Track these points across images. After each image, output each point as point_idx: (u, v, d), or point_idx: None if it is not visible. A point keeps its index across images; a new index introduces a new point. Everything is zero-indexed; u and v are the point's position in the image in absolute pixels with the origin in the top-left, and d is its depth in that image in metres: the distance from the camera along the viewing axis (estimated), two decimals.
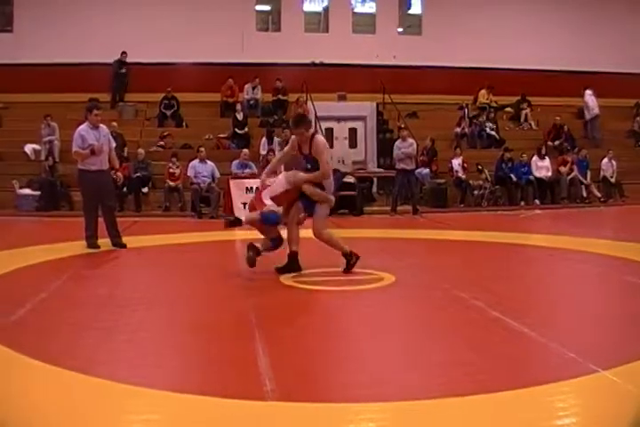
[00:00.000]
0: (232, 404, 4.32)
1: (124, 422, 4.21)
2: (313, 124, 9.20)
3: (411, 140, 19.43)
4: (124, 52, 25.27)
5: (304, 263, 9.39)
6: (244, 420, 4.17)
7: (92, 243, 11.79)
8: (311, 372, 5.14)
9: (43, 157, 21.88)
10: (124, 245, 12.00)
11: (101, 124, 12.30)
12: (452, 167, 21.79)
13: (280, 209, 8.99)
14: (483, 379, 4.72)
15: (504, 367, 5.03)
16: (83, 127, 12.20)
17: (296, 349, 5.73)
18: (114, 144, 12.67)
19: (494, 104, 26.64)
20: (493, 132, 24.83)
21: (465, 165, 21.74)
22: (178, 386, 4.67)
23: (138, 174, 20.34)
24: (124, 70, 25.53)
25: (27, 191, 20.58)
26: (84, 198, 12.38)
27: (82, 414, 4.22)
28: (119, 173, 12.49)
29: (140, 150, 21.05)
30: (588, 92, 25.73)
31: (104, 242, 11.84)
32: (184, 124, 25.04)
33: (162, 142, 23.11)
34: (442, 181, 21.69)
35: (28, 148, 22.52)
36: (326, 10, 28.47)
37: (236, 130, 23.57)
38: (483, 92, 26.60)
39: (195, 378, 5.00)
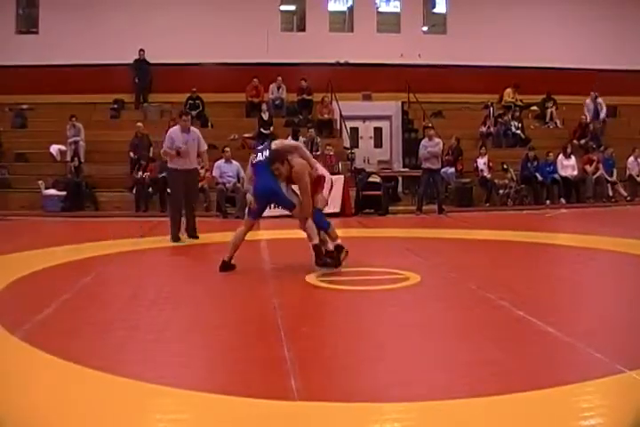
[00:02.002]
0: (258, 403, 4.33)
1: (151, 421, 4.23)
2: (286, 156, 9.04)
3: (437, 140, 19.38)
4: (141, 50, 25.40)
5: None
6: (269, 419, 4.17)
7: (174, 236, 12.92)
8: (336, 371, 5.14)
9: (68, 158, 21.98)
10: (197, 237, 13.17)
11: (193, 128, 13.36)
12: (477, 167, 21.71)
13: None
14: (509, 379, 4.72)
15: (530, 367, 5.01)
16: (173, 129, 13.30)
17: (321, 348, 5.74)
18: (205, 147, 13.46)
19: (520, 103, 26.50)
20: (519, 131, 24.70)
21: (490, 164, 21.65)
22: (204, 385, 4.69)
23: (163, 175, 20.35)
24: (144, 69, 25.65)
25: (52, 192, 20.68)
26: (170, 194, 13.87)
27: (108, 413, 4.24)
28: (208, 174, 13.69)
29: None
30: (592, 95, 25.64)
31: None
32: (209, 124, 25.04)
33: None
34: (467, 180, 21.62)
35: (54, 148, 22.64)
36: (351, 9, 28.41)
37: (262, 130, 23.55)
38: (508, 90, 26.44)
39: (221, 377, 5.02)
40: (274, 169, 8.83)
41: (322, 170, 9.27)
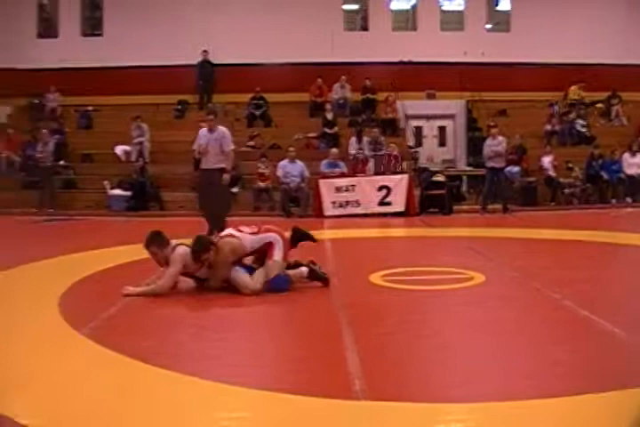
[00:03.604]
0: (321, 403, 4.35)
1: (215, 419, 4.25)
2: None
3: (501, 138, 19.28)
4: (204, 51, 25.58)
5: (391, 262, 9.40)
6: (333, 419, 4.19)
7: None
8: (400, 371, 5.13)
9: (133, 158, 22.23)
10: None
11: (222, 128, 13.14)
12: (542, 165, 21.52)
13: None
14: (572, 380, 4.68)
15: (594, 369, 4.95)
16: (202, 129, 13.24)
17: (385, 348, 5.73)
18: (229, 147, 13.10)
19: (585, 100, 26.22)
20: (584, 129, 24.43)
21: (555, 162, 21.45)
22: (268, 384, 4.71)
23: None
24: (207, 69, 25.85)
25: (117, 192, 20.94)
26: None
27: (173, 411, 4.30)
28: (225, 175, 12.98)
29: None
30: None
31: None
32: (273, 124, 25.17)
33: (251, 142, 23.24)
34: (532, 179, 21.44)
35: (119, 149, 22.91)
36: (414, 8, 28.37)
37: (326, 129, 23.60)
38: (573, 88, 26.16)
39: (285, 376, 5.04)
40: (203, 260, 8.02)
41: (269, 237, 8.66)
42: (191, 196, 20.10)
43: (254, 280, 7.99)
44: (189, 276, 8.14)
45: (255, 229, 8.32)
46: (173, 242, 8.16)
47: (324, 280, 8.26)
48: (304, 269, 8.30)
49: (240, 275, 8.01)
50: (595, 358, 5.26)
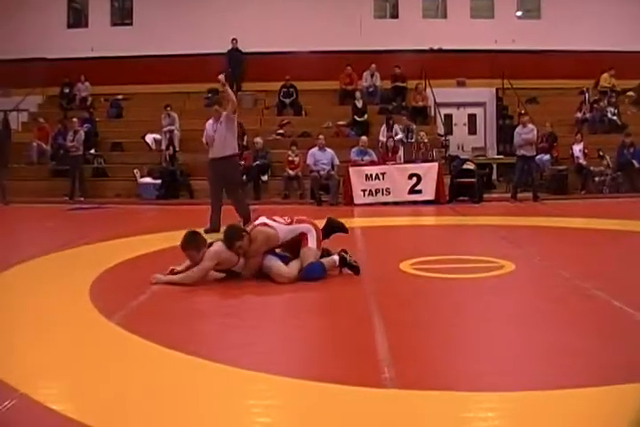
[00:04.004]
0: (351, 391, 4.36)
1: (245, 407, 4.28)
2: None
3: (531, 126, 19.18)
4: (234, 39, 25.60)
5: (421, 251, 9.39)
6: (363, 407, 4.18)
7: (210, 226, 12.09)
8: (430, 360, 5.14)
9: (163, 147, 22.28)
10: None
11: (224, 114, 12.61)
12: (572, 153, 21.38)
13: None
14: (604, 371, 4.66)
15: (626, 360, 4.93)
16: (209, 122, 12.97)
17: (415, 336, 5.74)
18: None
19: (616, 88, 26.01)
20: (615, 117, 24.24)
21: (586, 151, 21.31)
22: (298, 372, 4.74)
23: (257, 162, 20.53)
24: (237, 58, 25.85)
25: (148, 180, 21.03)
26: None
27: (203, 398, 4.31)
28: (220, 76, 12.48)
29: (258, 139, 21.11)
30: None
31: None
32: (303, 112, 25.17)
33: (281, 130, 23.27)
34: (562, 167, 21.31)
35: (149, 137, 22.99)
36: None
37: (356, 117, 23.57)
38: (605, 75, 25.93)
39: (315, 364, 5.06)
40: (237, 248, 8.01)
41: (302, 228, 8.61)
42: None
43: (290, 268, 8.01)
44: (225, 271, 8.15)
45: (289, 220, 8.34)
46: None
47: (355, 269, 8.25)
48: (335, 258, 8.29)
49: (275, 263, 8.02)
50: (626, 349, 5.23)
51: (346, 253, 8.38)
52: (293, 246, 8.28)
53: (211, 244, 8.05)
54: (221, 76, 12.37)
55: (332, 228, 8.85)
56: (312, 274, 8.00)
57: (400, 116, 22.52)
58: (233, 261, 8.01)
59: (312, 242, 8.21)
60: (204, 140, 12.96)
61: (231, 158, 12.80)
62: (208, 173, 13.16)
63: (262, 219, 8.33)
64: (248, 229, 8.24)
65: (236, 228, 8.22)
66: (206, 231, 11.04)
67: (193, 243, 8.11)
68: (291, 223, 8.30)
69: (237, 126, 13.01)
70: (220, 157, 12.64)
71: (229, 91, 12.91)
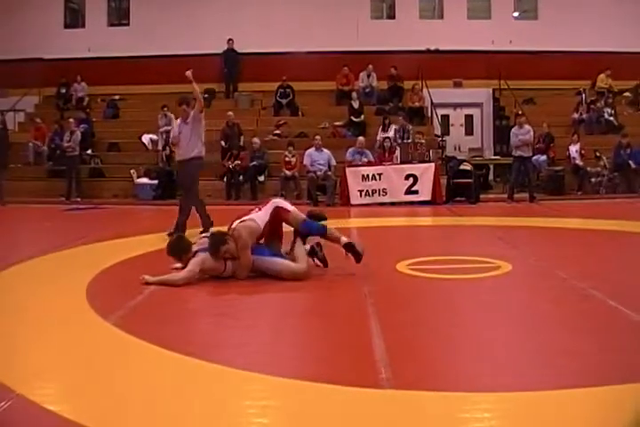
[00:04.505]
0: (347, 391, 4.36)
1: (241, 407, 4.28)
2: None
3: (527, 127, 19.22)
4: (230, 40, 25.66)
5: (418, 251, 9.39)
6: (359, 407, 4.19)
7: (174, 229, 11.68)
8: (427, 360, 5.15)
9: (160, 147, 22.25)
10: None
11: (192, 114, 12.09)
12: (569, 154, 21.38)
13: None
14: (601, 371, 4.67)
15: (623, 360, 4.93)
16: (177, 120, 12.59)
17: (412, 337, 5.74)
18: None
19: (613, 89, 26.00)
20: (612, 118, 24.23)
21: (582, 151, 21.32)
22: (293, 373, 4.74)
23: (254, 163, 20.52)
24: (233, 58, 25.95)
25: (144, 180, 21.03)
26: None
27: (198, 399, 4.32)
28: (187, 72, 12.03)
29: (255, 139, 21.11)
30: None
31: None
32: (299, 112, 25.17)
33: (278, 131, 23.27)
34: (559, 168, 21.33)
35: (146, 138, 22.96)
36: None
37: (352, 118, 23.58)
38: (602, 76, 25.95)
39: (311, 365, 5.07)
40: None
41: (271, 203, 8.61)
42: (217, 184, 20.20)
43: (299, 260, 8.06)
44: (216, 277, 8.15)
45: (256, 209, 8.43)
46: (196, 247, 8.20)
47: (354, 251, 8.26)
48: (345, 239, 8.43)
49: (280, 263, 8.07)
50: (623, 349, 5.24)
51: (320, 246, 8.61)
52: (277, 227, 8.41)
53: (195, 253, 8.05)
54: (189, 73, 11.94)
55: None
56: (310, 226, 8.38)
57: (396, 116, 22.53)
58: (219, 269, 8.04)
59: (289, 206, 8.48)
60: (170, 140, 12.74)
61: (193, 162, 12.19)
62: (178, 177, 12.88)
63: (235, 222, 8.31)
64: (229, 231, 8.19)
65: (217, 235, 8.20)
66: (170, 235, 10.95)
67: (176, 250, 8.26)
68: (261, 209, 8.39)
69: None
70: (183, 160, 12.22)
71: (197, 89, 12.29)
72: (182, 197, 12.60)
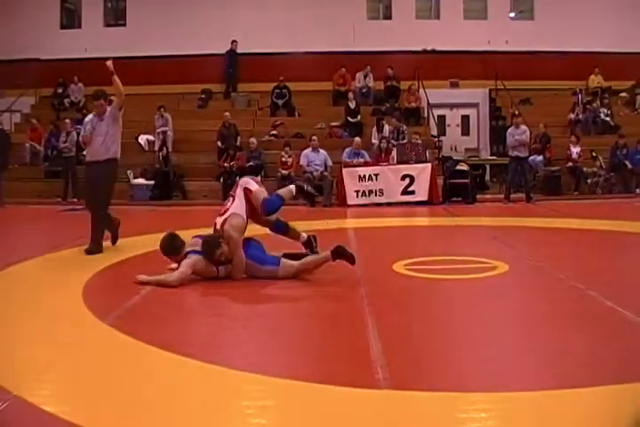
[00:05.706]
0: (344, 391, 4.36)
1: (239, 408, 4.27)
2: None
3: (524, 127, 19.23)
4: (234, 41, 25.72)
5: (414, 251, 9.39)
6: (356, 407, 4.19)
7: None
8: (424, 360, 5.14)
9: (156, 148, 22.22)
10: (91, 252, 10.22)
11: (109, 109, 10.87)
12: (570, 155, 21.34)
13: None
14: (597, 371, 4.67)
15: (619, 360, 4.93)
16: (88, 116, 11.22)
17: (409, 337, 5.75)
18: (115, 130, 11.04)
19: (603, 86, 26.01)
20: (608, 118, 24.25)
21: (579, 151, 21.33)
22: (291, 373, 4.73)
23: (251, 163, 20.52)
24: (234, 59, 25.96)
25: (140, 181, 21.02)
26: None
27: (196, 399, 4.31)
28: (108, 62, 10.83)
29: (252, 140, 21.14)
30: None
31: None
32: (296, 113, 25.17)
33: (274, 131, 23.25)
34: (555, 168, 21.34)
35: (142, 138, 22.92)
36: None
37: (349, 118, 23.58)
38: (592, 77, 26.07)
39: (308, 365, 5.06)
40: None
41: (239, 187, 8.65)
42: (214, 185, 20.20)
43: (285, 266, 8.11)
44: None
45: (230, 199, 8.52)
46: (188, 248, 8.20)
47: (311, 246, 8.56)
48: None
49: (263, 269, 8.09)
50: (620, 349, 5.23)
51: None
52: (254, 205, 8.40)
53: (187, 254, 8.05)
54: (109, 63, 10.68)
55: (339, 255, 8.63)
56: (271, 206, 8.38)
57: (390, 117, 22.54)
58: (211, 272, 8.06)
59: (255, 186, 8.51)
60: (80, 139, 11.70)
61: (107, 164, 10.85)
62: (85, 180, 11.47)
63: (218, 219, 8.32)
64: (219, 232, 8.17)
65: (209, 239, 8.14)
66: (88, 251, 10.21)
67: (169, 249, 8.27)
68: (234, 198, 8.45)
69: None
70: (95, 161, 10.82)
71: (118, 82, 10.75)
72: (88, 204, 11.22)
